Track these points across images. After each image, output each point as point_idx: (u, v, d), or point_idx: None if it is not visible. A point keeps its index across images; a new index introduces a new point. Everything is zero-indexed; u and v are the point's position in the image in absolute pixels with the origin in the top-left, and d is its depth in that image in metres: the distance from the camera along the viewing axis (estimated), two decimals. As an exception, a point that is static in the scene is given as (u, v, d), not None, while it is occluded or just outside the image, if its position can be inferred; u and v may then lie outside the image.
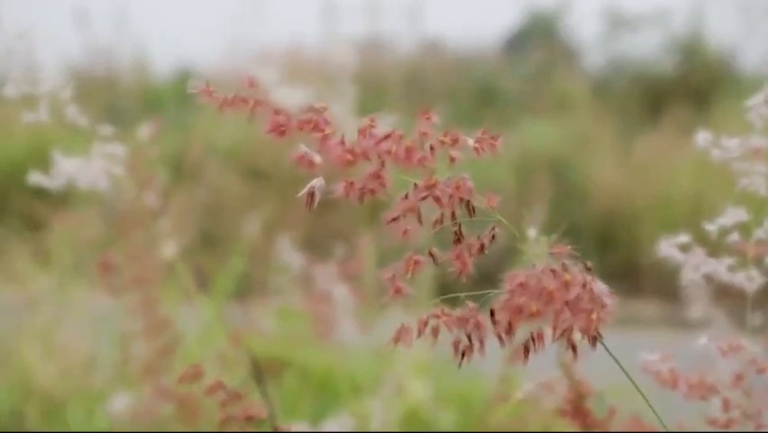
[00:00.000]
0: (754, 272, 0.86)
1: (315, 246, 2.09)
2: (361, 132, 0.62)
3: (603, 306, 0.62)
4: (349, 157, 0.61)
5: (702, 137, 0.86)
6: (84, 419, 2.15)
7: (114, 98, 6.04)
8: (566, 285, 0.62)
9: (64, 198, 2.84)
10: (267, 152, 5.01)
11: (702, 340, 0.83)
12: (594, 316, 0.62)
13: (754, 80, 0.85)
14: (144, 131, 1.22)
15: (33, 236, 3.15)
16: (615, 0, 7.39)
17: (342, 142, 0.61)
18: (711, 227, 0.85)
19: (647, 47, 7.21)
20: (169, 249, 1.34)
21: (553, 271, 0.62)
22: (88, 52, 6.73)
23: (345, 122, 0.62)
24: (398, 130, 0.62)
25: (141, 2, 6.94)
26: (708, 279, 0.88)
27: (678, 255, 0.88)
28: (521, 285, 0.62)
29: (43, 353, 2.38)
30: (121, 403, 1.42)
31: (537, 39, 7.56)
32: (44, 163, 1.20)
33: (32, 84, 1.10)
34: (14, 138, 4.99)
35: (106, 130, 1.18)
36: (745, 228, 0.86)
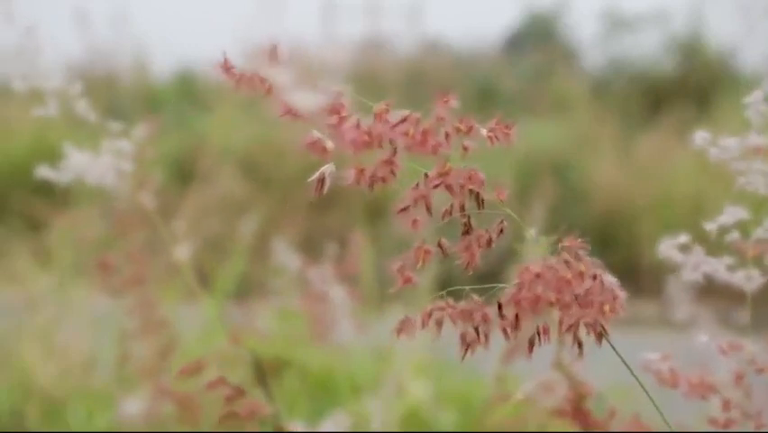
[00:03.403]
0: (754, 272, 0.86)
1: (314, 247, 2.09)
2: (378, 116, 0.61)
3: (615, 297, 0.62)
4: (366, 138, 0.61)
5: (700, 136, 0.86)
6: (84, 419, 2.15)
7: (115, 98, 6.04)
8: (581, 275, 0.62)
9: (64, 198, 2.84)
10: (267, 153, 5.01)
11: (702, 338, 0.82)
12: (606, 308, 0.62)
13: (754, 80, 0.84)
14: (141, 131, 1.21)
15: (33, 236, 3.15)
16: (614, 0, 7.39)
17: (358, 125, 0.61)
18: (711, 226, 0.84)
19: (647, 47, 7.21)
20: (182, 252, 1.34)
21: (566, 261, 0.62)
22: (88, 52, 6.72)
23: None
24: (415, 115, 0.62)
25: (141, 2, 6.94)
26: (697, 279, 0.87)
27: (677, 256, 0.88)
28: (537, 276, 0.62)
29: (43, 353, 2.38)
30: (132, 407, 1.41)
31: (537, 39, 7.56)
32: (45, 164, 1.19)
33: (41, 79, 1.09)
34: (16, 138, 4.99)
35: (115, 126, 1.18)
36: (744, 227, 0.85)
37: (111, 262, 1.36)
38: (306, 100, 0.60)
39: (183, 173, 4.70)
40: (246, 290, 2.50)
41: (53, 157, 1.21)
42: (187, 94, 6.51)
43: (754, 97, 0.85)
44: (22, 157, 4.68)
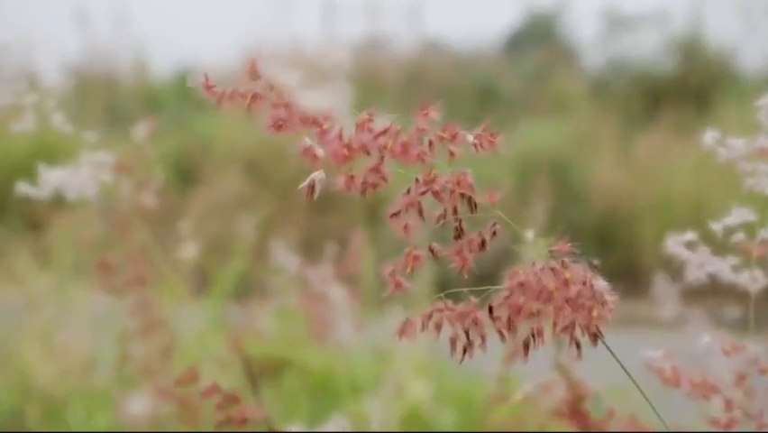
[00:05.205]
0: (758, 272, 0.86)
1: (313, 247, 2.09)
2: (359, 126, 0.62)
3: (603, 303, 0.62)
4: (345, 152, 0.61)
5: (710, 136, 0.85)
6: (84, 419, 2.15)
7: (114, 98, 6.04)
8: (566, 283, 0.62)
9: (64, 198, 2.83)
10: (267, 154, 5.01)
11: (705, 339, 0.82)
12: (595, 313, 0.62)
13: (754, 80, 0.84)
14: (141, 131, 1.21)
15: (33, 236, 3.15)
16: (614, 0, 7.40)
17: (340, 137, 0.61)
18: (716, 227, 0.84)
19: (646, 47, 7.21)
20: (188, 251, 1.34)
21: (552, 269, 0.62)
22: (88, 52, 6.72)
23: (341, 121, 0.62)
24: (396, 125, 0.62)
25: (141, 2, 6.94)
26: (701, 277, 0.87)
27: (684, 253, 0.87)
28: (521, 285, 0.62)
29: (43, 353, 2.38)
30: (136, 406, 1.41)
31: (537, 39, 7.56)
32: (45, 163, 1.19)
33: (19, 95, 1.08)
34: (15, 138, 4.99)
35: (93, 136, 1.17)
36: (749, 228, 0.85)
37: (111, 262, 1.36)
38: (310, 102, 0.60)
39: (183, 173, 4.71)
40: (246, 290, 2.50)
41: (53, 156, 1.21)
42: (186, 94, 6.51)
43: (765, 100, 0.84)
44: (21, 157, 4.68)
